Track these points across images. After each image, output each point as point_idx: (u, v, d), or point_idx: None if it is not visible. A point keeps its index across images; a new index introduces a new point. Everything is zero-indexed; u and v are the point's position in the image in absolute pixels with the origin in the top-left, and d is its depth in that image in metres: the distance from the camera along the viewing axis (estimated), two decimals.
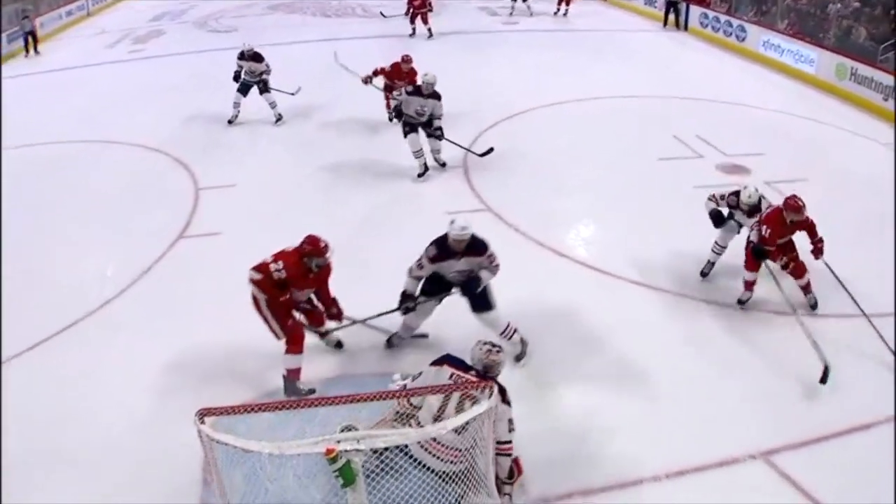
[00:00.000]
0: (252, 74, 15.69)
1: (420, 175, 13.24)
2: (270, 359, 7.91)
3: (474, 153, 13.67)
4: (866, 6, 21.36)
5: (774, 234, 8.75)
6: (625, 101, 17.47)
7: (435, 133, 13.13)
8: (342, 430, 5.10)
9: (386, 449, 5.44)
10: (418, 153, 13.13)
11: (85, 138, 15.64)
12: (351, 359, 8.45)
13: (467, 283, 7.92)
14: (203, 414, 4.90)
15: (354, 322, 8.38)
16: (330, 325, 8.32)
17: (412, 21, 24.35)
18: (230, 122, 16.10)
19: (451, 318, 8.32)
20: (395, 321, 8.40)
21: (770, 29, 23.30)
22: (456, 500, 5.60)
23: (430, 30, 24.45)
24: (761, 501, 6.58)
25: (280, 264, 7.43)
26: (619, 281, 9.98)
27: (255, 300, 7.59)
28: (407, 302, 8.07)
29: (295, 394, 7.57)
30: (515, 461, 6.28)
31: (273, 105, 15.93)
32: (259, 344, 7.93)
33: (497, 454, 5.86)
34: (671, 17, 27.54)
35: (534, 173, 13.29)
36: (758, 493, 6.67)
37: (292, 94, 16.32)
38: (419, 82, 13.21)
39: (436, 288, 8.11)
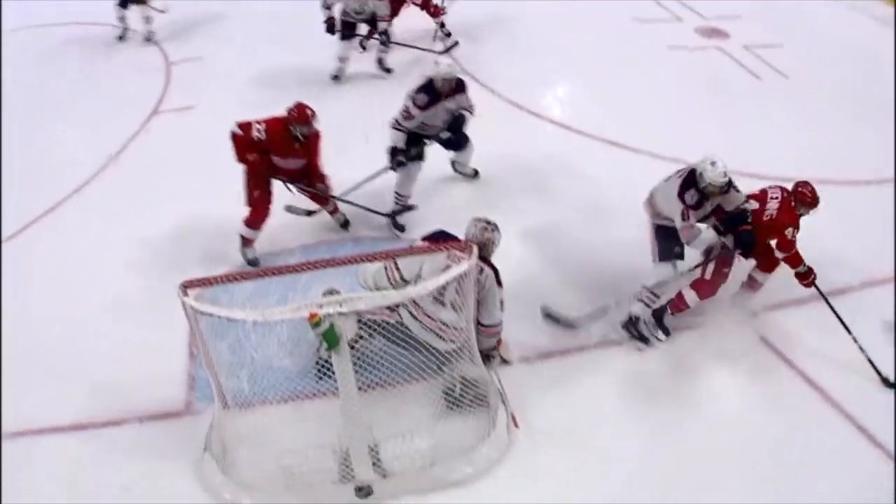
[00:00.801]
0: None
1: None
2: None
3: (434, 51, 11.57)
4: None
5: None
6: None
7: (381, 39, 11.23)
8: (325, 295, 5.15)
9: (382, 329, 5.65)
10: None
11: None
12: (334, 227, 8.43)
13: (456, 122, 8.03)
14: (186, 286, 4.88)
15: (345, 200, 8.21)
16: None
17: None
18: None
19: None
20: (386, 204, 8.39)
21: None
22: (438, 365, 5.73)
23: None
24: None
25: (262, 126, 7.31)
26: (592, 140, 9.97)
27: None
28: (398, 156, 7.97)
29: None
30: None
31: None
32: (238, 216, 7.85)
33: (483, 335, 6.02)
34: None
35: (506, 35, 12.93)
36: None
37: None
38: None
39: (418, 147, 8.07)
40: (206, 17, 13.61)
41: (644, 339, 6.99)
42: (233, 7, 13.89)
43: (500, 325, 6.13)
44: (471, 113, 8.12)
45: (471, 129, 8.52)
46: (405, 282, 5.79)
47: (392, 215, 8.31)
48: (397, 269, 5.82)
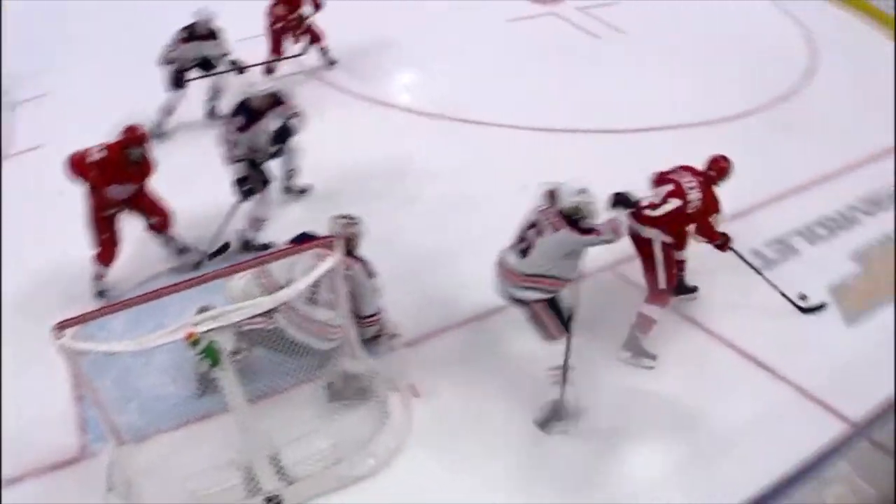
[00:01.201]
0: None
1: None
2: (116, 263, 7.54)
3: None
4: None
5: None
6: None
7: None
8: (198, 313, 4.99)
9: (261, 337, 5.66)
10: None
11: None
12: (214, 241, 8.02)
13: (282, 133, 7.68)
14: (60, 327, 4.73)
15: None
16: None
17: None
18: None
19: None
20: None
21: None
22: (321, 365, 5.82)
23: None
24: None
25: (102, 147, 6.95)
26: (443, 121, 10.01)
27: None
28: (244, 185, 7.63)
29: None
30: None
31: None
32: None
33: (363, 326, 6.05)
34: None
35: (348, 32, 12.16)
36: None
37: None
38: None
39: (259, 172, 7.78)
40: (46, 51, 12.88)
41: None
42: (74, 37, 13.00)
43: (379, 313, 6.15)
44: (298, 120, 7.78)
45: (324, 131, 8.50)
46: (280, 287, 5.74)
47: (248, 245, 7.98)
48: (269, 275, 5.78)
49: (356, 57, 11.64)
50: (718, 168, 6.77)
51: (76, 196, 7.16)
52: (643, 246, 6.63)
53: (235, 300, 5.41)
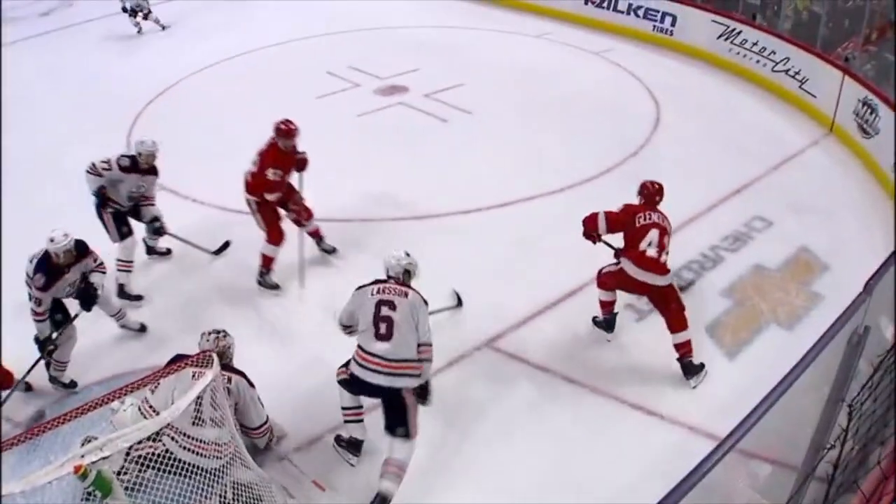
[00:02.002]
0: None
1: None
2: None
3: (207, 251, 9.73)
4: None
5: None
6: (271, 49, 16.64)
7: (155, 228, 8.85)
8: (83, 444, 4.68)
9: (150, 461, 5.21)
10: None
11: None
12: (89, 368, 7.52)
13: (85, 295, 7.08)
14: None
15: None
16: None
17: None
18: None
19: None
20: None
21: None
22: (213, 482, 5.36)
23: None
24: None
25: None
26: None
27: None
28: (48, 346, 7.05)
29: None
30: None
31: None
32: None
33: (253, 438, 5.88)
34: None
35: (198, 143, 12.05)
36: None
37: None
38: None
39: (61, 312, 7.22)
40: None
41: None
42: None
43: (267, 421, 5.88)
44: (102, 275, 7.24)
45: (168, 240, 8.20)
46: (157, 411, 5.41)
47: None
48: (151, 407, 5.48)
49: (205, 161, 11.28)
50: (656, 191, 7.10)
51: None
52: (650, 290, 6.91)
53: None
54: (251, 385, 5.70)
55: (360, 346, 5.77)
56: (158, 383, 5.37)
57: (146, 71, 15.38)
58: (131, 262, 8.16)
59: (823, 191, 9.66)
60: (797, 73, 12.35)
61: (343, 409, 6.09)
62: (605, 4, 16.52)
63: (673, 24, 15.19)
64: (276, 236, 8.11)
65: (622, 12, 16.16)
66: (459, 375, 6.91)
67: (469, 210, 8.22)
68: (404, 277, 6.01)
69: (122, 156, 7.99)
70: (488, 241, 8.53)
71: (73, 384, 7.29)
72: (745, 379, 6.61)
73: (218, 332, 5.81)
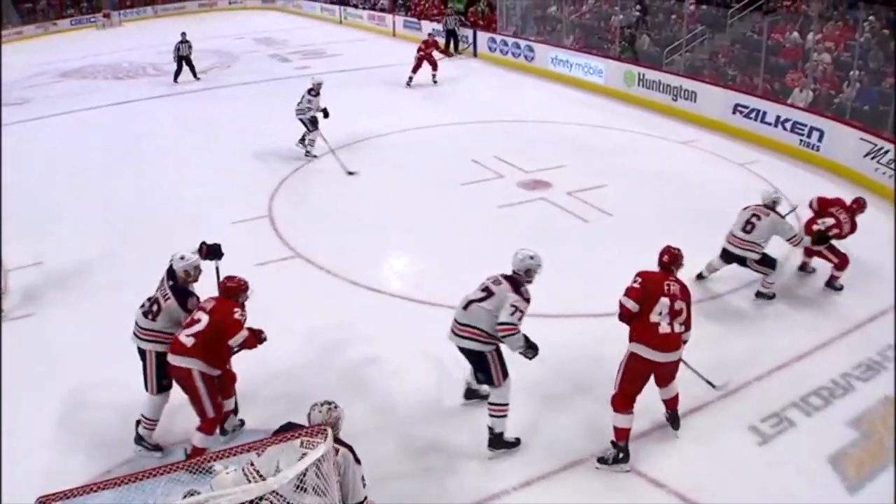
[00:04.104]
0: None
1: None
2: (104, 439, 7.49)
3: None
4: (647, 14, 22.19)
5: None
6: (422, 132, 17.47)
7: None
8: (185, 497, 4.87)
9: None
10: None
11: None
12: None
13: None
14: (43, 501, 4.36)
15: None
16: None
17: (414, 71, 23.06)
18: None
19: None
20: None
21: (557, 46, 23.94)
22: None
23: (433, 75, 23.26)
24: None
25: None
26: (439, 308, 9.37)
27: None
28: None
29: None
30: None
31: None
32: (89, 425, 7.62)
33: None
34: (451, 43, 28.07)
35: (340, 214, 12.96)
36: None
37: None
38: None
39: None
40: (42, 221, 13.20)
41: None
42: (68, 207, 13.69)
43: (366, 500, 5.82)
44: None
45: (307, 313, 8.23)
46: (262, 476, 5.44)
47: None
48: (256, 470, 5.44)
49: (347, 238, 11.75)
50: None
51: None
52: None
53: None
54: (357, 461, 5.71)
55: None
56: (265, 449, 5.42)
57: (294, 137, 16.34)
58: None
59: None
60: None
61: None
62: (752, 115, 16.55)
63: (820, 140, 15.09)
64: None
65: (769, 124, 16.18)
66: None
67: (601, 314, 8.26)
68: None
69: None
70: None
71: (157, 448, 7.41)
72: None
73: (329, 402, 5.81)
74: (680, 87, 18.81)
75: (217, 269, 7.68)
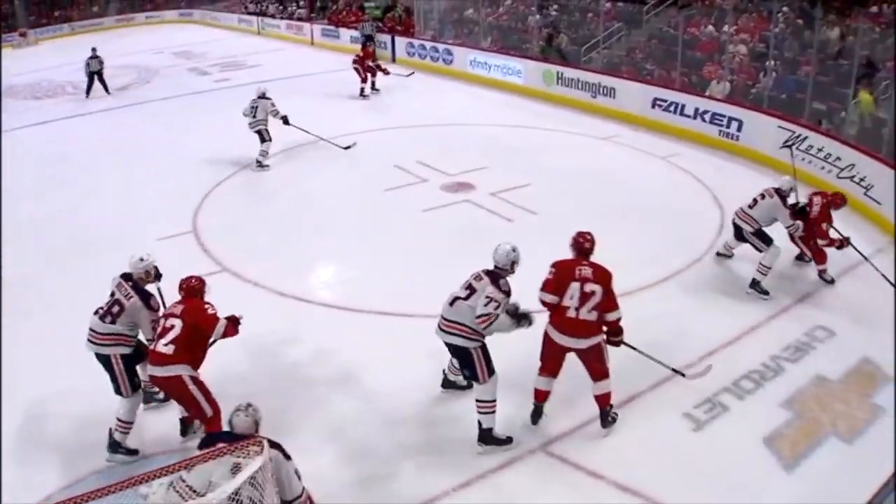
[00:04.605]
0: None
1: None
2: (42, 466, 7.27)
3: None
4: (564, 13, 22.33)
5: None
6: (342, 140, 17.13)
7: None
8: None
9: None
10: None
11: None
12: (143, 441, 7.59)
13: None
14: None
15: None
16: None
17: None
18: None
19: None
20: None
21: (475, 48, 24.00)
22: None
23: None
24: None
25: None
26: (369, 315, 9.63)
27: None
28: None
29: None
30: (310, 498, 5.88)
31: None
32: (27, 451, 7.44)
33: None
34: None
35: (265, 225, 12.75)
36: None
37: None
38: None
39: None
40: None
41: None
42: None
43: (304, 492, 5.70)
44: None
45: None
46: (198, 494, 5.26)
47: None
48: (189, 487, 5.28)
49: (274, 249, 11.66)
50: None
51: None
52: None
53: None
54: (287, 457, 5.64)
55: None
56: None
57: (216, 150, 16.43)
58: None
59: (887, 300, 9.41)
60: (862, 179, 12.26)
61: None
62: (671, 108, 16.73)
63: (739, 130, 15.33)
64: None
65: (689, 116, 16.39)
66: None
67: (531, 310, 8.21)
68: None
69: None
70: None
71: (135, 452, 7.36)
72: (803, 492, 6.52)
73: (249, 405, 5.73)
74: (599, 83, 18.92)
75: (159, 289, 7.69)
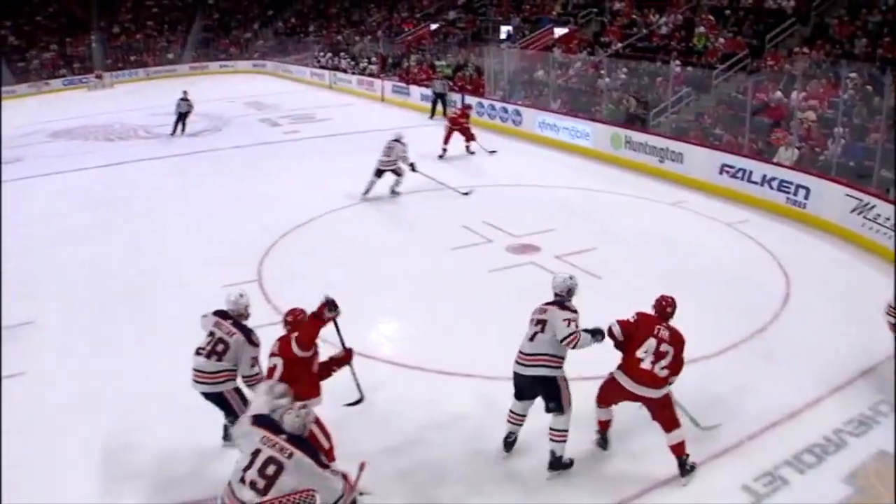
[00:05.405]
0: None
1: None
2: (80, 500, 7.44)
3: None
4: (633, 77, 22.45)
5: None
6: (410, 197, 17.55)
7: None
8: None
9: None
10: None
11: None
12: (183, 483, 7.76)
13: None
14: None
15: None
16: None
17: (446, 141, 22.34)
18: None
19: None
20: None
21: (544, 110, 24.18)
22: None
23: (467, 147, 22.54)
24: None
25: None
26: (428, 374, 9.71)
27: None
28: None
29: None
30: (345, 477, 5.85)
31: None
32: (67, 487, 7.59)
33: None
34: (438, 107, 28.52)
35: (330, 278, 12.41)
36: None
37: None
38: None
39: None
40: (39, 279, 13.40)
41: None
42: (56, 267, 13.91)
43: (344, 486, 5.73)
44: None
45: None
46: None
47: None
48: None
49: (341, 306, 11.36)
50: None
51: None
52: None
53: None
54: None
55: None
56: None
57: (285, 200, 17.01)
58: None
59: None
60: None
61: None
62: (739, 174, 16.66)
63: (806, 197, 15.17)
64: None
65: (756, 183, 16.28)
66: None
67: (590, 377, 8.23)
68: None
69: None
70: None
71: None
72: None
73: (303, 406, 5.96)
74: (667, 148, 18.94)
75: (336, 324, 7.96)
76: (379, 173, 17.24)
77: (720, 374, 9.49)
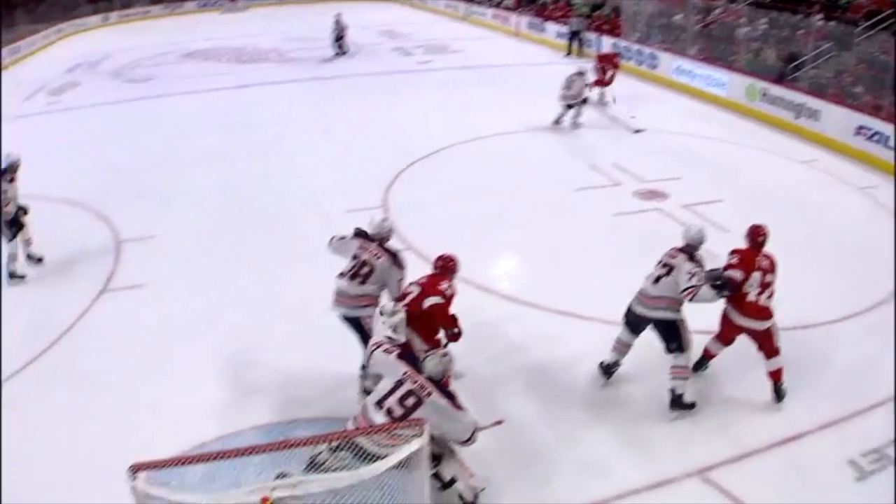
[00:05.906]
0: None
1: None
2: (200, 413, 7.88)
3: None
4: (774, 28, 21.95)
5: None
6: (539, 134, 17.73)
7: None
8: (276, 478, 4.97)
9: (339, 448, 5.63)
10: None
11: None
12: (288, 406, 8.15)
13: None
14: (136, 469, 4.67)
15: None
16: None
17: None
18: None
19: None
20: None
21: (681, 55, 23.87)
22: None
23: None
24: None
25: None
26: (545, 313, 9.94)
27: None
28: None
29: None
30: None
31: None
32: (187, 399, 8.06)
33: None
34: (574, 45, 28.39)
35: (455, 208, 13.22)
36: None
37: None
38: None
39: None
40: (157, 197, 14.05)
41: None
42: (185, 186, 14.62)
43: (473, 433, 6.14)
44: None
45: None
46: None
47: None
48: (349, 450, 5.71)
49: (460, 233, 11.88)
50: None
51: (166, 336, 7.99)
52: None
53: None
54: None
55: None
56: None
57: (414, 129, 17.48)
58: None
59: None
60: None
61: None
62: (875, 138, 16.31)
63: None
64: None
65: (892, 148, 15.80)
66: None
67: (703, 331, 8.35)
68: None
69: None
70: (729, 365, 8.69)
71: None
72: None
73: (446, 353, 6.30)
74: (803, 104, 18.58)
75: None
76: (568, 106, 17.84)
77: (837, 343, 9.39)
